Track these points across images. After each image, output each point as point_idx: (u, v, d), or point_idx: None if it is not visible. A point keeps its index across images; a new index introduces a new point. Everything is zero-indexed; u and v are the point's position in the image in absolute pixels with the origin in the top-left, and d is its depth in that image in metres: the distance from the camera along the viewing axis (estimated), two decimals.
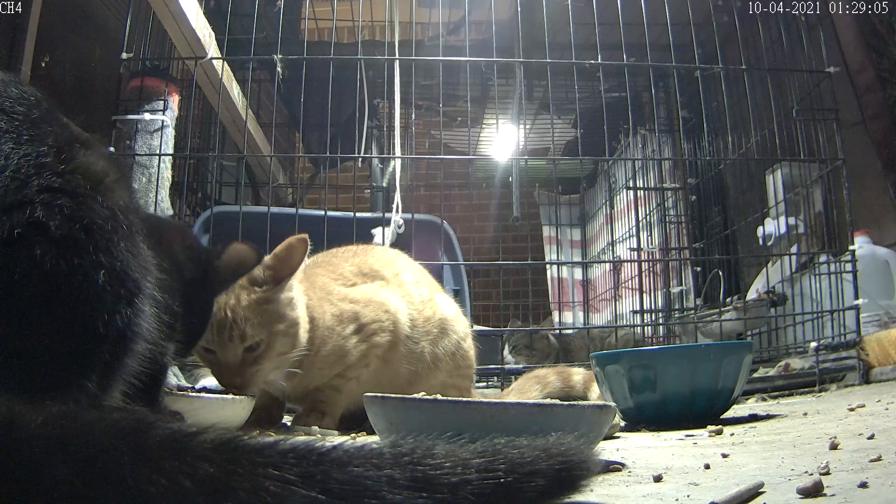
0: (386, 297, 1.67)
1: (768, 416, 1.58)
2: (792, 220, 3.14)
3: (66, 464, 0.49)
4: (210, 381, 1.73)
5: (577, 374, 1.92)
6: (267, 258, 1.41)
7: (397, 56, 2.87)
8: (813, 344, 2.46)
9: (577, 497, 0.62)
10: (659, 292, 4.17)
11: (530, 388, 1.88)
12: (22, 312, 0.68)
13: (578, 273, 5.33)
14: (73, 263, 0.71)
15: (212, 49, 2.73)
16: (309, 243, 1.43)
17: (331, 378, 1.58)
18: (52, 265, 0.69)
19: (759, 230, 3.34)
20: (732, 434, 1.30)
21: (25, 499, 0.47)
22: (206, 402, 1.27)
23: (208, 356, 1.38)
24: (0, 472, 0.48)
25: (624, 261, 4.14)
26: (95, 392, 0.73)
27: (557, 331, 4.33)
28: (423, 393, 1.33)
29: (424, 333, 1.69)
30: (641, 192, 4.00)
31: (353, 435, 1.39)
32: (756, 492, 0.69)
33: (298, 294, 1.48)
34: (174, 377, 1.89)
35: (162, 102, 2.65)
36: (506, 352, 3.66)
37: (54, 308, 0.70)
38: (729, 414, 1.64)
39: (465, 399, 1.19)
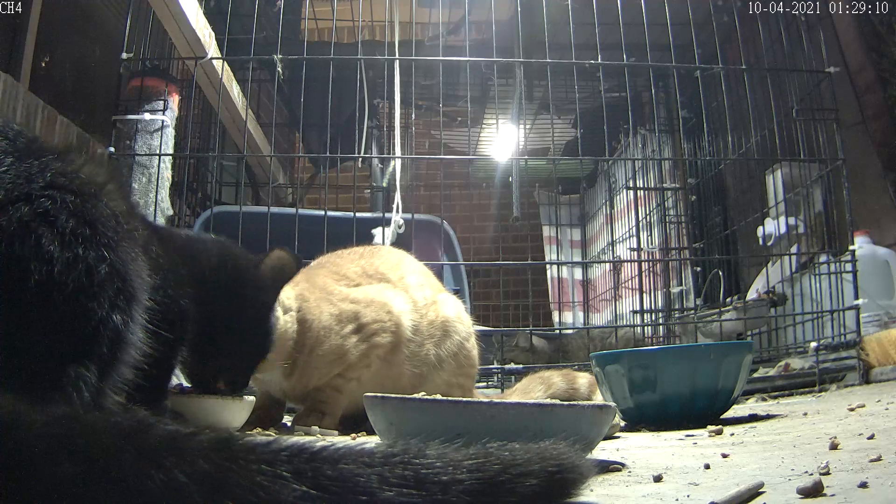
0: (389, 298, 1.66)
1: (768, 416, 1.58)
2: (792, 220, 3.14)
3: (69, 463, 0.50)
4: None
5: (583, 377, 1.90)
6: None
7: (397, 56, 2.87)
8: (813, 344, 2.46)
9: (576, 498, 0.62)
10: (659, 292, 4.17)
11: (534, 388, 1.88)
12: (27, 301, 0.71)
13: (578, 273, 5.33)
14: (77, 255, 0.73)
15: (212, 49, 2.73)
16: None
17: (331, 378, 1.58)
18: (58, 256, 0.72)
19: (759, 230, 3.34)
20: (732, 434, 1.30)
21: (30, 496, 0.49)
22: (207, 403, 1.27)
23: None
24: (5, 470, 0.49)
25: (624, 261, 4.15)
26: (96, 384, 0.75)
27: (558, 331, 4.32)
28: (424, 393, 1.33)
29: (428, 336, 1.69)
30: (641, 192, 4.00)
31: (353, 435, 1.39)
32: (756, 492, 0.69)
33: (286, 294, 1.48)
34: (176, 378, 1.89)
35: (162, 102, 2.65)
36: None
37: (58, 297, 0.72)
38: (729, 414, 1.64)
39: (465, 399, 1.19)
